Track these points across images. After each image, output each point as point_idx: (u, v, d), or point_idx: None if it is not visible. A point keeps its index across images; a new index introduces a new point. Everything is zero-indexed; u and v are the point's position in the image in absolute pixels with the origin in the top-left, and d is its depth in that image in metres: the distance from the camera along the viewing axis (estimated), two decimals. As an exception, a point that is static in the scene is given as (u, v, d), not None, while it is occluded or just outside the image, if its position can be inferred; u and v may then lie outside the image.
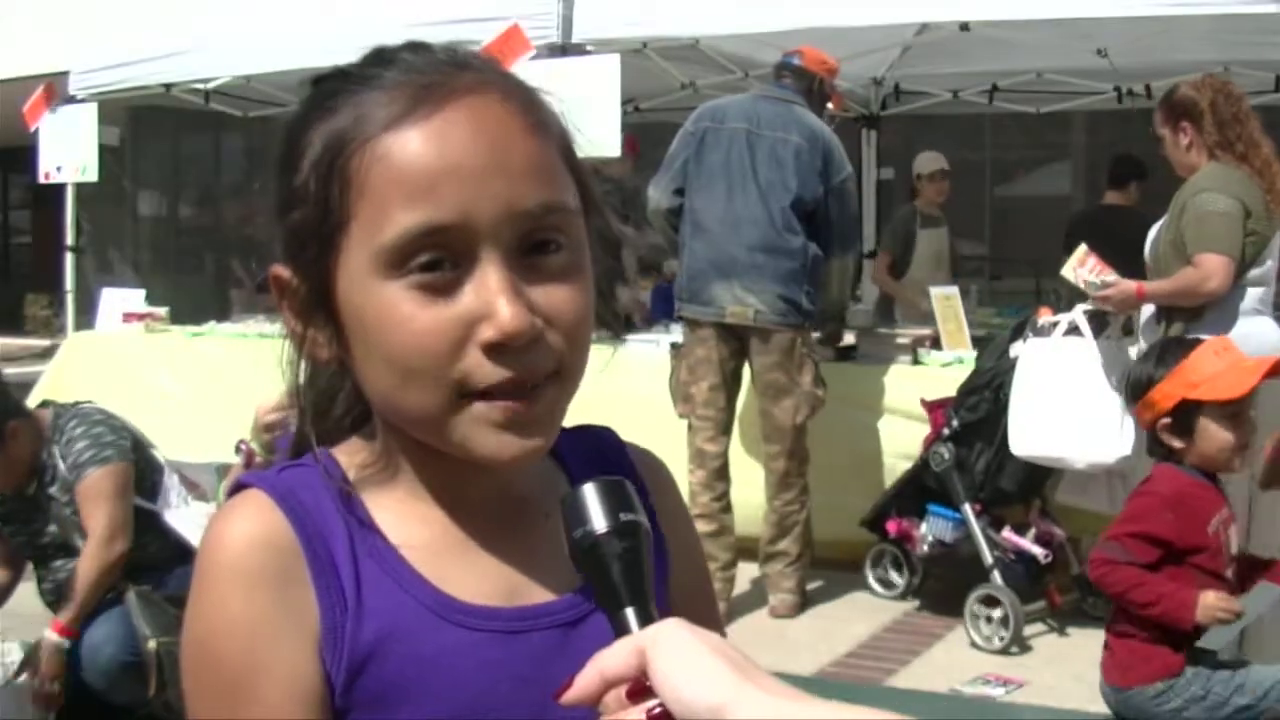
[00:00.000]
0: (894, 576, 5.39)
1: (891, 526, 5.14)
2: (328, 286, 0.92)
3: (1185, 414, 3.04)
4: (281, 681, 0.89)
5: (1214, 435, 3.03)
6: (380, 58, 0.94)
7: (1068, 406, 4.57)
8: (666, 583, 1.05)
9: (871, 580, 5.43)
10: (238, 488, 0.96)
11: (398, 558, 0.94)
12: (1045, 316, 4.81)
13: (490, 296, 0.88)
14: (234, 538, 0.92)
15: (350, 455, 0.98)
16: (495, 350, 0.88)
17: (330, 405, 1.01)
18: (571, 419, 1.00)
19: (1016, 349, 4.85)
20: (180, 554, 3.70)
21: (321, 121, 0.92)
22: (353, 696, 0.91)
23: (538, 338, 0.89)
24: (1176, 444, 3.07)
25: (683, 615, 1.06)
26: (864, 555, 5.45)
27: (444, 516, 0.97)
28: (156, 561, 3.75)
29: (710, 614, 1.13)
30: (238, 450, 3.00)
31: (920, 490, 5.13)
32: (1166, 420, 3.06)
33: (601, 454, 1.07)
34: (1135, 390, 3.15)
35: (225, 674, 0.90)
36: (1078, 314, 4.64)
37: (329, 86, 0.94)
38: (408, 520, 0.96)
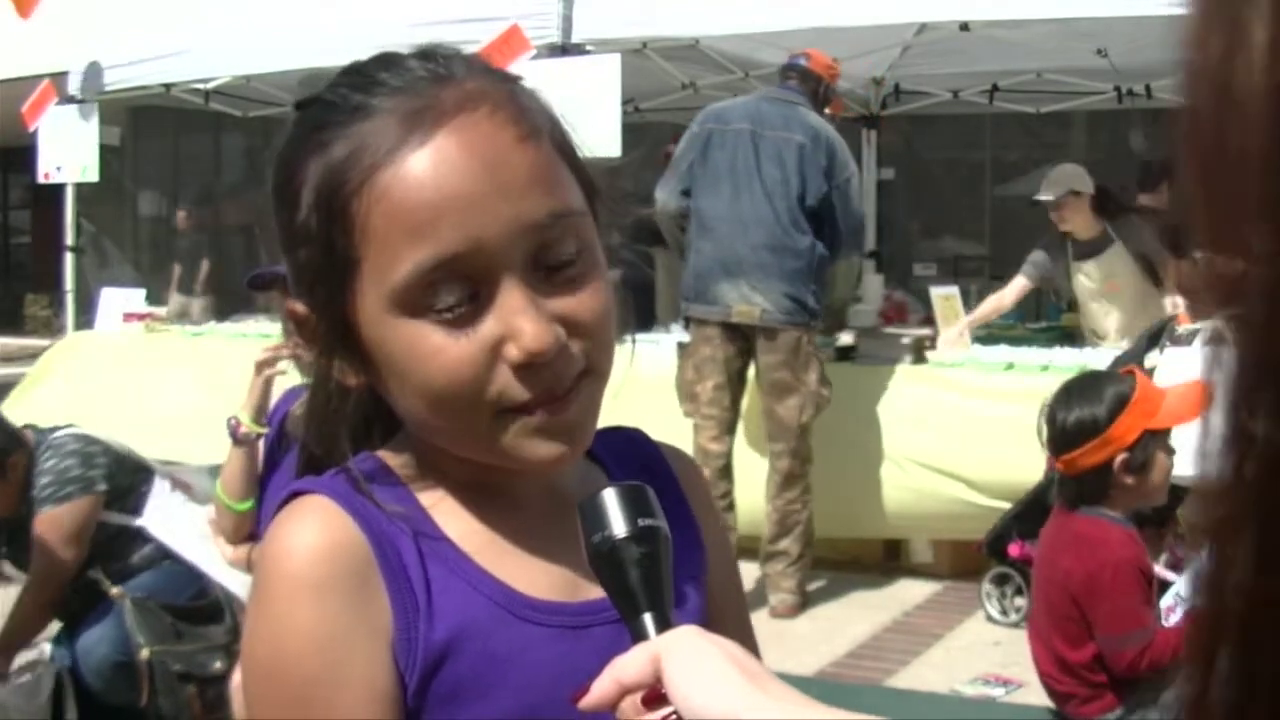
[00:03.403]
0: (1019, 601, 5.00)
1: (1014, 550, 4.78)
2: (346, 320, 0.92)
3: (1143, 447, 2.94)
4: (356, 690, 0.89)
5: (1163, 463, 2.95)
6: (360, 80, 0.93)
7: None
8: (704, 576, 1.06)
9: (989, 606, 5.09)
10: (291, 495, 0.94)
11: (463, 556, 0.94)
12: (1185, 324, 4.50)
13: (512, 318, 0.88)
14: (301, 547, 0.90)
15: (389, 460, 0.99)
16: (523, 368, 0.89)
17: (360, 426, 1.00)
18: None
19: (1153, 359, 4.52)
20: (166, 556, 3.75)
21: (315, 155, 0.91)
22: (426, 696, 0.91)
23: (563, 349, 0.90)
24: (1129, 481, 2.96)
25: (716, 609, 1.06)
26: (981, 578, 5.17)
27: (491, 514, 0.97)
28: (150, 565, 3.79)
29: (739, 609, 1.13)
30: (229, 428, 3.02)
31: (1045, 511, 4.79)
32: (1125, 456, 2.93)
33: (636, 452, 1.08)
34: (1081, 432, 2.96)
35: (296, 686, 0.89)
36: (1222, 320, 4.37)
37: (316, 116, 0.93)
38: (462, 520, 0.96)
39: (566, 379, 0.91)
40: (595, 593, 0.94)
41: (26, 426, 3.88)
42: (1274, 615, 0.41)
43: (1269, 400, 0.41)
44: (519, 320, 0.88)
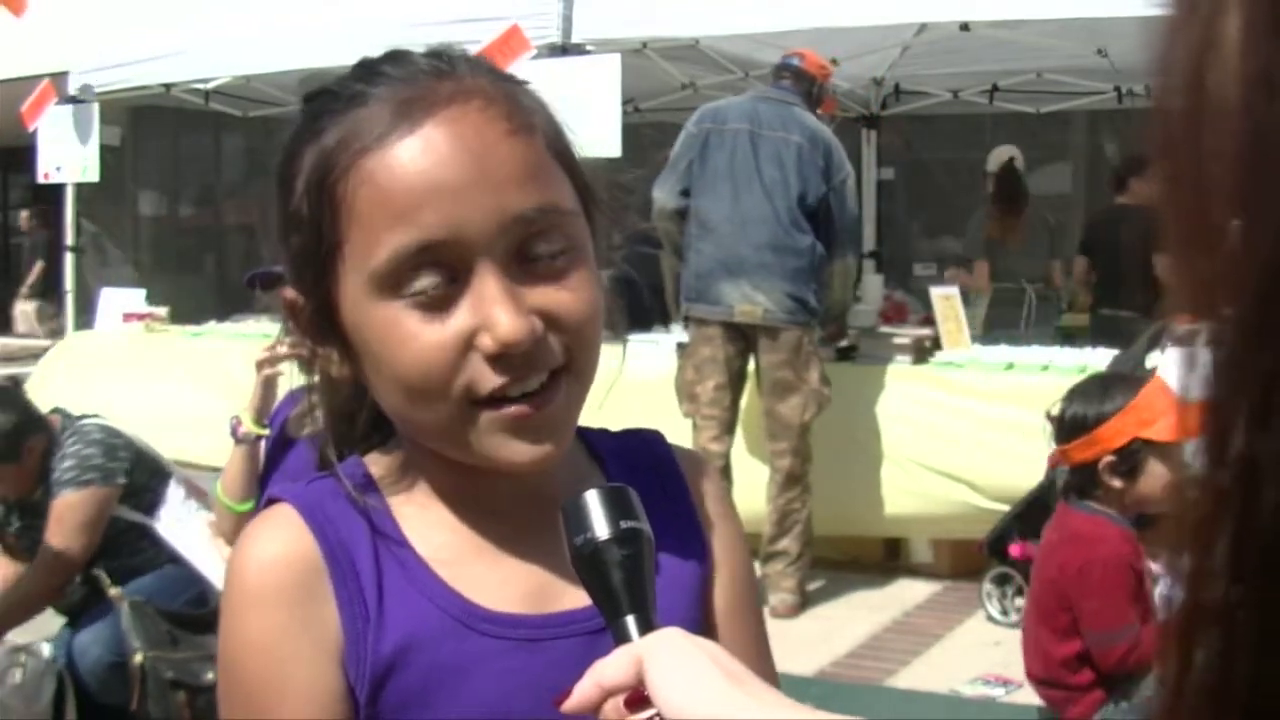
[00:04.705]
0: (1019, 601, 4.91)
1: (1015, 550, 4.77)
2: (331, 307, 0.93)
3: (1131, 453, 2.94)
4: (297, 700, 0.90)
5: (1160, 474, 2.93)
6: (364, 73, 0.94)
7: None
8: (708, 584, 1.04)
9: (989, 606, 5.07)
10: (268, 502, 0.96)
11: (421, 565, 0.94)
12: (1185, 324, 4.53)
13: (487, 308, 0.88)
14: (256, 558, 0.92)
15: (375, 464, 0.99)
16: (497, 358, 0.89)
17: (352, 420, 1.00)
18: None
19: (1153, 360, 4.46)
20: (173, 559, 3.75)
21: (310, 143, 0.92)
22: (378, 707, 0.91)
23: (539, 341, 0.89)
24: (1116, 484, 2.96)
25: (723, 617, 1.04)
26: (981, 578, 5.15)
27: (470, 521, 0.97)
28: (152, 567, 3.78)
29: (749, 620, 1.08)
30: (231, 428, 3.03)
31: (1045, 512, 4.75)
32: (1111, 459, 2.95)
33: (648, 455, 1.06)
34: (1073, 428, 2.99)
35: (247, 694, 0.92)
36: None
37: (317, 106, 0.94)
38: (433, 526, 0.96)
39: (541, 370, 0.90)
40: (564, 604, 0.94)
41: (55, 411, 3.88)
42: (1247, 616, 0.41)
43: (1245, 404, 0.41)
44: (494, 310, 0.88)
